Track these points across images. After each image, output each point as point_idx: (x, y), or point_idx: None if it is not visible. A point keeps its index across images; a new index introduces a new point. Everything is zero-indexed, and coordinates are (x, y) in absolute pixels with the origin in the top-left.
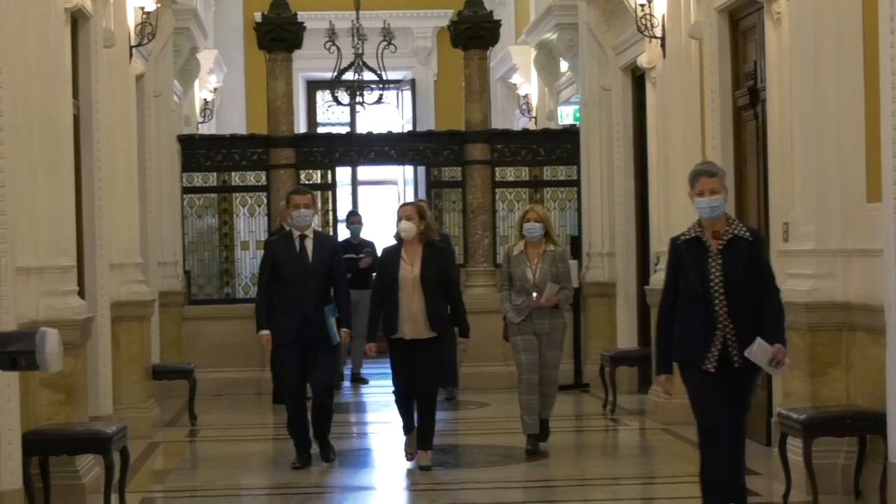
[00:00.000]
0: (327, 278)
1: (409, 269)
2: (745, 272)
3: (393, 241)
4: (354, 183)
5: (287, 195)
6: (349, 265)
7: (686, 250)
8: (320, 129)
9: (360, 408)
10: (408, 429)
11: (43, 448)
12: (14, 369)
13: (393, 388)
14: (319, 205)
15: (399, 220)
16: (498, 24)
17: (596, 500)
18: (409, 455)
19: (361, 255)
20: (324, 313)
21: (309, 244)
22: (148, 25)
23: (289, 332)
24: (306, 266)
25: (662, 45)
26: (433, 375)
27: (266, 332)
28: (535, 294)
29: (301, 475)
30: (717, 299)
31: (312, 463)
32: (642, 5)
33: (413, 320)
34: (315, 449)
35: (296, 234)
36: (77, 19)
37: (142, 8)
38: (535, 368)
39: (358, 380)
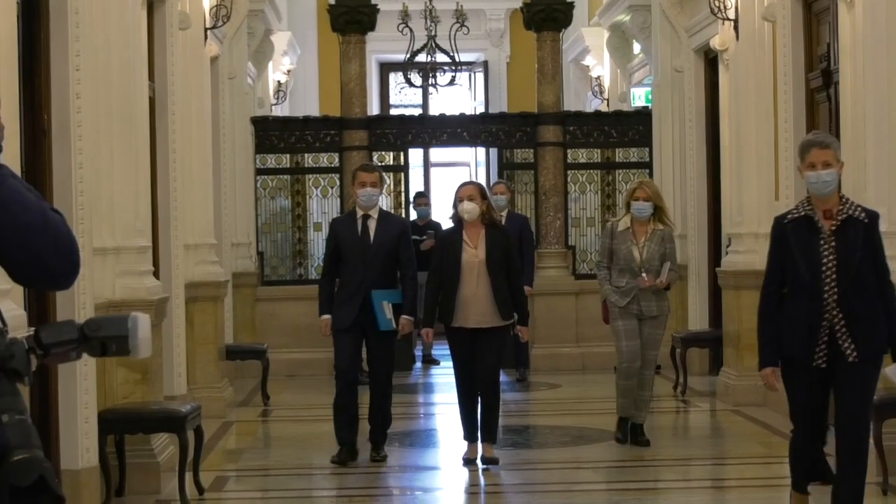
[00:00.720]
0: (391, 261)
1: (474, 253)
2: (862, 258)
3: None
4: (426, 165)
5: (354, 171)
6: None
7: (794, 231)
8: (392, 111)
9: (428, 388)
10: (471, 435)
11: (119, 427)
12: (104, 355)
13: (456, 385)
14: (391, 186)
15: (459, 200)
16: (571, 6)
17: (666, 481)
18: (468, 461)
19: (424, 237)
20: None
21: (372, 225)
22: (223, 8)
23: (347, 317)
24: (367, 247)
25: (736, 28)
26: (498, 366)
27: (327, 316)
28: (644, 274)
29: (369, 455)
30: (828, 287)
31: (357, 459)
32: None
33: (478, 307)
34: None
35: (359, 213)
36: (153, 2)
37: None
38: (637, 356)
39: (429, 361)
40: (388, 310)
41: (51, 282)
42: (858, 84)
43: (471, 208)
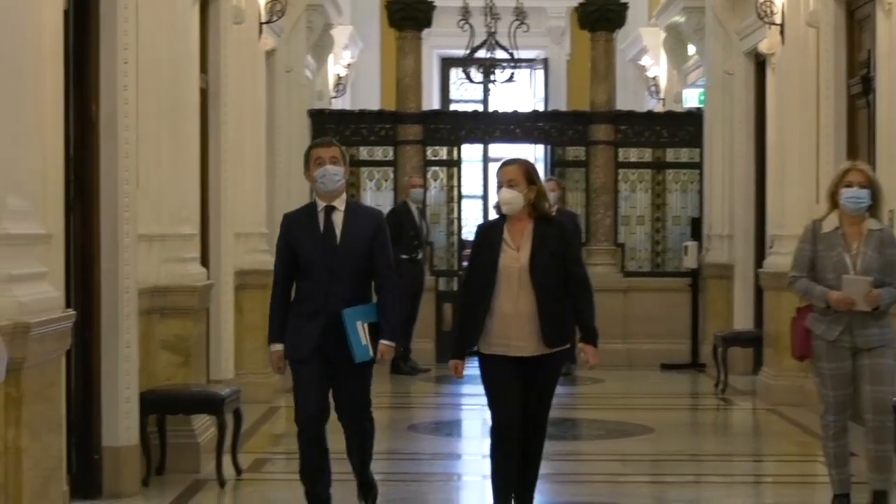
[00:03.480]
0: (365, 267)
1: (514, 256)
2: None
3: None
4: (485, 160)
5: (306, 150)
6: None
7: None
8: (453, 106)
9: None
10: (503, 500)
11: (159, 407)
12: None
13: (492, 432)
14: (444, 181)
15: (499, 186)
16: (625, 6)
17: (707, 475)
18: None
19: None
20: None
21: (338, 219)
22: (278, 3)
23: (306, 343)
24: (332, 250)
25: (782, 32)
26: (548, 408)
27: (279, 347)
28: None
29: (409, 440)
30: None
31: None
32: None
33: (520, 330)
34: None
35: (320, 205)
36: None
37: None
38: (847, 407)
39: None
40: (364, 334)
41: None
42: (894, 90)
43: (510, 197)
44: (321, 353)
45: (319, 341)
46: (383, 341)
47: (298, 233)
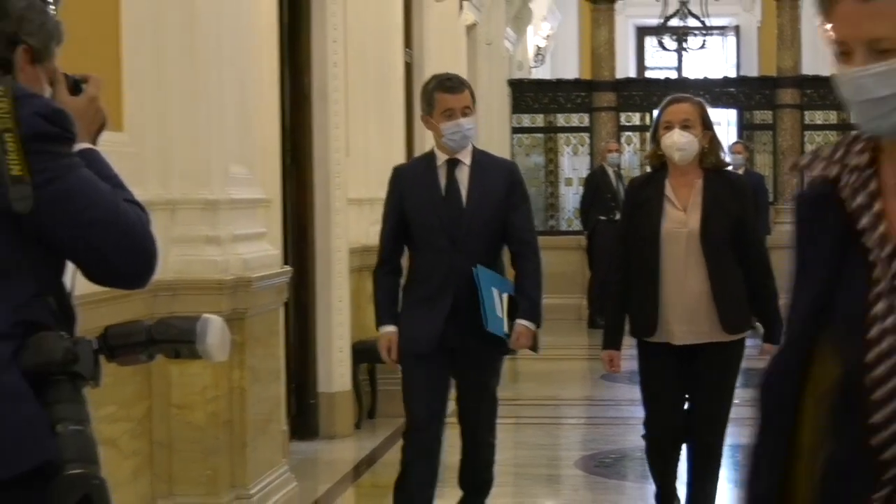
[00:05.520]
0: (498, 235)
1: (680, 220)
2: None
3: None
4: None
5: (428, 89)
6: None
7: None
8: (648, 73)
9: None
10: (666, 499)
11: (370, 357)
12: (178, 358)
13: (646, 436)
14: (638, 145)
15: (666, 127)
16: None
17: None
18: None
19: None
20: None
21: (464, 175)
22: None
23: (427, 334)
24: (458, 214)
25: None
26: (726, 408)
27: (391, 328)
28: None
29: (603, 388)
30: None
31: None
32: None
33: (687, 311)
34: None
35: (440, 157)
36: None
37: None
38: None
39: None
40: (500, 306)
41: (117, 280)
42: None
43: (685, 142)
44: (443, 347)
45: (442, 331)
46: (522, 321)
47: (414, 193)
